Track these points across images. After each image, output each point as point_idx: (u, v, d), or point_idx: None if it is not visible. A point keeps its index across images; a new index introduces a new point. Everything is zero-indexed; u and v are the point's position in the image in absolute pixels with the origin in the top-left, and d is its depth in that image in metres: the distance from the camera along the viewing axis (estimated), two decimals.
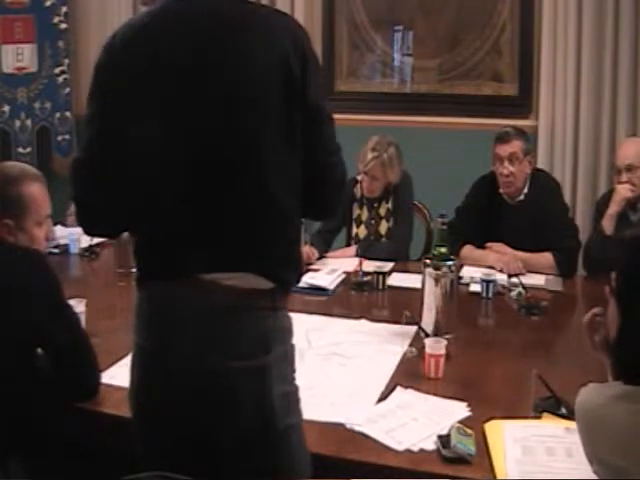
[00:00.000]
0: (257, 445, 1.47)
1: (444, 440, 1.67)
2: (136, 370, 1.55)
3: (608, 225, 2.99)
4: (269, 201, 1.47)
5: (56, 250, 3.24)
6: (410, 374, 2.07)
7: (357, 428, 1.77)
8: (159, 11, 1.50)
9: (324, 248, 3.30)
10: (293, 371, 1.56)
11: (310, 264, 3.10)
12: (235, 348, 1.45)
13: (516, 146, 3.10)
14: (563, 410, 1.77)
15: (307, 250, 3.11)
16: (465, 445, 1.64)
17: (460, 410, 1.85)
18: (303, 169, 1.50)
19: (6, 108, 4.47)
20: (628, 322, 1.29)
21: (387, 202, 3.38)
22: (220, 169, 1.45)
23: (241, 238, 1.47)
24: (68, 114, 4.71)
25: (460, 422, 1.76)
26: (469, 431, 1.70)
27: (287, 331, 1.55)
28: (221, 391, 1.45)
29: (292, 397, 1.54)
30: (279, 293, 1.51)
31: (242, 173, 1.45)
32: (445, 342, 2.09)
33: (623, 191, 3.00)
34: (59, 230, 3.35)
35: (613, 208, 3.00)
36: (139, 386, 1.54)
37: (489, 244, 3.12)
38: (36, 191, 2.01)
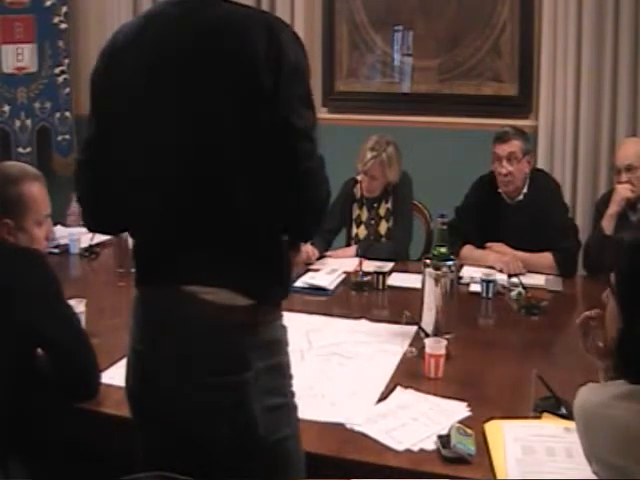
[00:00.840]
0: (245, 458, 1.46)
1: (444, 440, 1.67)
2: (129, 371, 1.55)
3: (608, 225, 2.99)
4: (237, 218, 1.44)
5: (56, 250, 3.24)
6: (410, 374, 2.07)
7: (357, 428, 1.77)
8: (155, 14, 1.51)
9: (324, 248, 3.30)
10: (287, 382, 1.54)
11: (310, 264, 3.11)
12: (212, 364, 1.44)
13: (515, 146, 3.10)
14: (563, 410, 1.77)
15: (307, 250, 3.11)
16: (465, 445, 1.64)
17: (460, 410, 1.85)
18: (278, 186, 1.46)
19: (6, 108, 4.47)
20: (630, 322, 1.29)
21: (387, 202, 3.38)
22: (199, 181, 1.44)
23: (215, 254, 1.46)
24: (68, 114, 4.71)
25: (460, 422, 1.76)
26: (469, 431, 1.70)
27: (275, 344, 1.52)
28: (200, 405, 1.44)
29: (284, 409, 1.53)
30: (261, 308, 1.47)
31: (210, 186, 1.43)
32: (445, 342, 2.09)
33: (623, 191, 3.00)
34: (59, 230, 3.35)
35: (613, 208, 3.00)
36: (132, 388, 1.55)
37: (489, 244, 3.12)
38: (36, 191, 2.01)
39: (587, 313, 1.50)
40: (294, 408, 1.56)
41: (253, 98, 1.39)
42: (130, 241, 3.15)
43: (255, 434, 1.46)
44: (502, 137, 3.12)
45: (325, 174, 1.52)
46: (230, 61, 1.40)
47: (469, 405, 1.88)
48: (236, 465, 1.46)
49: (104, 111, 1.51)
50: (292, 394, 1.55)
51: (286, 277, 1.57)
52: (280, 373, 1.53)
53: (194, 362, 1.44)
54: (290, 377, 1.56)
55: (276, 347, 1.53)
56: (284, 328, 1.55)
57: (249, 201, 1.44)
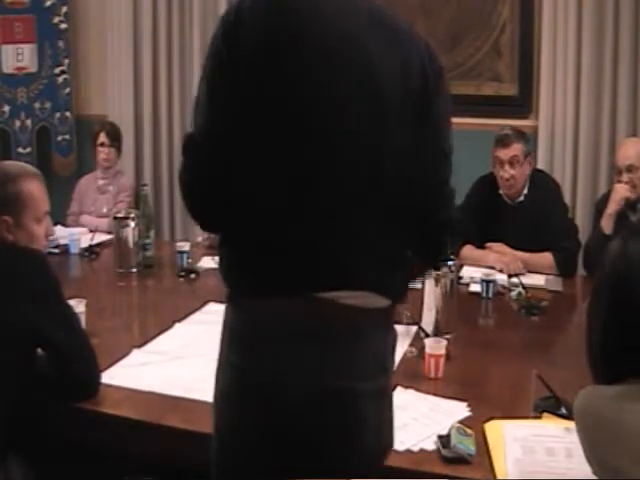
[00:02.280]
0: (376, 470, 1.39)
1: (444, 440, 1.67)
2: (237, 397, 1.40)
3: (607, 225, 2.99)
4: (392, 218, 1.39)
5: (56, 250, 3.23)
6: (410, 374, 2.07)
7: None
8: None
9: None
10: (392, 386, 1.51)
11: None
12: (355, 369, 1.36)
13: (517, 149, 3.09)
14: (563, 410, 1.77)
15: None
16: (465, 445, 1.64)
17: (460, 410, 1.85)
18: (412, 199, 1.41)
19: (6, 108, 4.47)
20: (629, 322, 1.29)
21: None
22: (352, 179, 1.35)
23: (365, 255, 1.38)
24: (68, 114, 4.71)
25: (460, 422, 1.76)
26: (469, 431, 1.70)
27: (395, 349, 1.50)
28: (345, 415, 1.36)
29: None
30: (393, 309, 1.44)
31: (371, 188, 1.36)
32: (445, 342, 2.09)
33: (622, 190, 3.00)
34: (59, 230, 3.35)
35: (612, 207, 3.00)
36: (242, 411, 1.40)
37: (489, 244, 3.12)
38: (35, 188, 2.01)
39: None
40: None
41: (406, 97, 1.36)
42: (131, 239, 3.13)
43: (390, 442, 1.44)
44: (503, 140, 3.11)
45: (454, 195, 1.50)
46: (388, 58, 1.35)
47: (469, 405, 1.88)
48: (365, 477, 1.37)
49: (241, 98, 1.34)
50: None
51: (411, 276, 1.55)
52: (393, 377, 1.50)
53: (336, 370, 1.35)
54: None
55: (395, 351, 1.50)
56: (397, 333, 1.51)
57: (395, 204, 1.39)
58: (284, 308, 1.35)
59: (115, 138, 3.94)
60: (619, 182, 3.03)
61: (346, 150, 1.34)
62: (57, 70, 4.61)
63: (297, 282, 1.36)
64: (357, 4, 1.38)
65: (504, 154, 3.09)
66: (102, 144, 3.90)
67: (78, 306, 2.18)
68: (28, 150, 4.57)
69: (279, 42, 1.33)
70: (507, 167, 3.09)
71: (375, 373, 1.40)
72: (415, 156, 1.38)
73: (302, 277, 1.36)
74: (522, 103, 4.08)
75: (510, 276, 2.86)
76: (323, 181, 1.34)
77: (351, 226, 1.37)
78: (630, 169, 3.00)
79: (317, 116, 1.33)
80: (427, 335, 2.19)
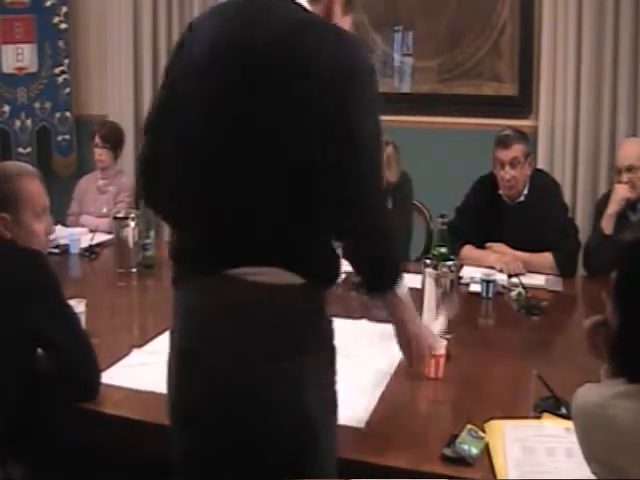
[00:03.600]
0: (293, 450, 1.41)
1: (451, 438, 1.66)
2: (174, 373, 1.51)
3: (607, 225, 2.99)
4: (299, 198, 1.41)
5: (56, 250, 3.23)
6: (410, 374, 2.07)
7: (357, 428, 1.77)
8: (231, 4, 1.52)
9: None
10: (333, 375, 1.51)
11: None
12: (267, 348, 1.39)
13: (517, 150, 3.08)
14: (563, 410, 1.77)
15: None
16: (469, 447, 1.63)
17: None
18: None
19: (6, 108, 4.47)
20: (628, 321, 1.29)
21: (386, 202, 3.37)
22: (251, 161, 1.41)
23: (268, 231, 1.41)
24: (68, 114, 4.71)
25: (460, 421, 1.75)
26: (481, 434, 1.68)
27: (325, 332, 1.49)
28: (256, 393, 1.40)
29: (330, 403, 1.50)
30: (313, 291, 1.44)
31: (273, 168, 1.40)
32: (445, 342, 2.09)
33: (622, 191, 3.00)
34: (59, 230, 3.35)
35: (612, 208, 3.00)
36: (177, 390, 1.50)
37: (489, 244, 3.12)
38: (32, 185, 2.00)
39: (595, 318, 1.50)
40: (337, 405, 1.53)
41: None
42: (131, 239, 3.14)
43: (311, 426, 1.43)
44: (504, 141, 3.09)
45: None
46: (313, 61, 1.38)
47: (469, 405, 1.87)
48: (290, 461, 1.41)
49: (169, 89, 1.54)
50: (335, 391, 1.52)
51: (335, 260, 1.51)
52: (329, 365, 1.50)
53: (249, 348, 1.39)
54: (335, 373, 1.52)
55: (326, 336, 1.49)
56: (330, 320, 1.51)
57: (302, 186, 1.41)
58: (200, 287, 1.46)
59: (110, 140, 3.91)
60: (619, 182, 3.03)
61: (246, 133, 1.40)
62: (57, 70, 4.62)
63: (208, 261, 1.44)
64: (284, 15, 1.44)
65: (504, 155, 3.09)
66: (96, 145, 3.90)
67: (78, 306, 2.18)
68: (28, 150, 4.58)
69: (204, 46, 1.47)
70: (507, 168, 3.08)
71: (288, 353, 1.40)
72: (324, 148, 1.39)
73: (212, 255, 1.45)
74: (522, 103, 4.08)
75: (510, 276, 2.86)
76: (226, 163, 1.42)
77: (254, 203, 1.41)
78: (630, 169, 3.00)
79: (221, 103, 1.42)
80: None
